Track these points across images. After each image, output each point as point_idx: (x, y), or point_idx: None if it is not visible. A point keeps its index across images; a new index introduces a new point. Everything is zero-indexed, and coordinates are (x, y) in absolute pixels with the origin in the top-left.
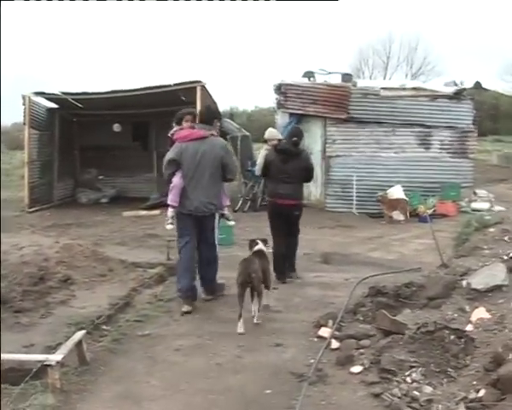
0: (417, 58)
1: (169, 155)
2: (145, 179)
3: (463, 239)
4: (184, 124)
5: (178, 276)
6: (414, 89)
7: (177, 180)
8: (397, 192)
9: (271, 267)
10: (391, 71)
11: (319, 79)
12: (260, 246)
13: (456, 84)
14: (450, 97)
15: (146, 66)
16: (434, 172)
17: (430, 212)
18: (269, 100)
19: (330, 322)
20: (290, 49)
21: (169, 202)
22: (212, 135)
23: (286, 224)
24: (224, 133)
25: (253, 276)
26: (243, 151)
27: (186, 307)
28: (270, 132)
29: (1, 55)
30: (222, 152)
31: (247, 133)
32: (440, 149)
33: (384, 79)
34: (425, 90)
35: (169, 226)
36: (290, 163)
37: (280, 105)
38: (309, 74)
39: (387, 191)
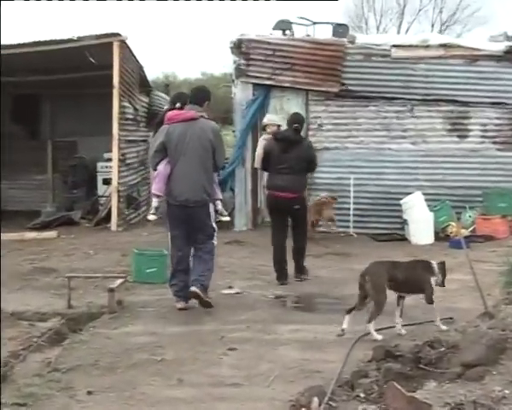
0: None
1: (157, 139)
2: (34, 184)
3: None
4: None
5: (172, 272)
6: (443, 46)
7: (161, 167)
8: (416, 202)
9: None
10: (409, 19)
11: (299, 32)
12: None
13: (508, 38)
14: (498, 59)
15: (38, 12)
16: (473, 173)
17: (467, 232)
18: (222, 64)
19: (315, 401)
20: None
21: (153, 191)
22: (203, 117)
23: (286, 219)
24: (154, 113)
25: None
26: None
27: (181, 304)
28: (270, 118)
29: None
30: (212, 135)
31: None
32: (482, 137)
33: (398, 31)
34: (460, 47)
35: (151, 217)
36: (291, 152)
37: (239, 72)
38: (284, 25)
39: (402, 201)
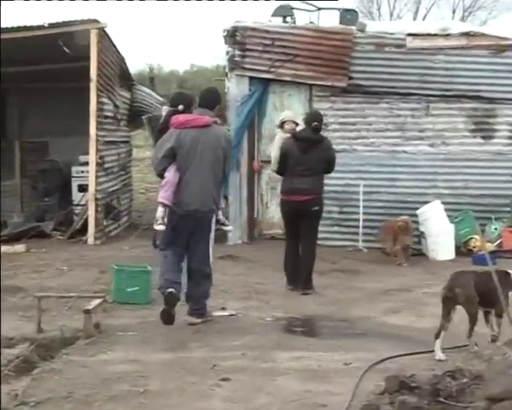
0: None
1: (165, 144)
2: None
3: None
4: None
5: (161, 273)
6: (465, 35)
7: (171, 175)
8: (434, 212)
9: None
10: (427, 4)
11: (301, 19)
12: None
13: None
14: None
15: None
16: (499, 179)
17: (492, 247)
18: (214, 55)
19: None
20: None
21: (160, 200)
22: (215, 123)
23: (302, 224)
24: (136, 111)
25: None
26: None
27: (166, 307)
28: (289, 114)
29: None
30: (225, 143)
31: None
32: (510, 138)
33: (415, 18)
34: (484, 36)
35: (160, 227)
36: (311, 153)
37: (234, 64)
38: (284, 12)
39: (419, 211)
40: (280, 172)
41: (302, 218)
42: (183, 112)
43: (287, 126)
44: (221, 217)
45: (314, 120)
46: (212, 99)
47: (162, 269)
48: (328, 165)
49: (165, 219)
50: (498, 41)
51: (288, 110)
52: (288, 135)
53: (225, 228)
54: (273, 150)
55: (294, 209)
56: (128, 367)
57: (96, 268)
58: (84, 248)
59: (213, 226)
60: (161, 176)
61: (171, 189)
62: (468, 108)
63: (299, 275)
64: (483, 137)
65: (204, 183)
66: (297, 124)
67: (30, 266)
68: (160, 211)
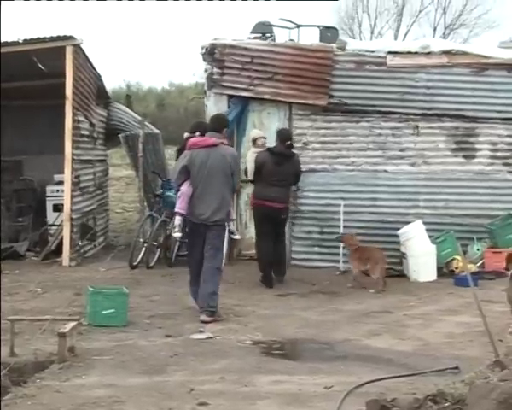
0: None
1: (180, 163)
2: None
3: None
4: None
5: (192, 286)
6: (446, 53)
7: (185, 188)
8: (415, 233)
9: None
10: (408, 21)
11: (281, 36)
12: None
13: None
14: (509, 68)
15: None
16: (481, 199)
17: (475, 268)
18: (193, 73)
19: None
20: None
21: (177, 210)
22: (223, 143)
23: (273, 228)
24: (113, 129)
25: None
26: (149, 161)
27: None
28: (257, 132)
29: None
30: (231, 160)
31: (156, 130)
32: (492, 157)
33: (396, 35)
34: (466, 55)
35: (177, 234)
36: (283, 166)
37: (212, 82)
38: (263, 29)
39: (400, 232)
40: (254, 180)
41: (272, 222)
42: (200, 136)
43: (258, 142)
44: (232, 227)
45: (287, 138)
46: (220, 124)
47: (191, 280)
48: (296, 177)
49: (181, 227)
50: (480, 59)
51: (255, 129)
52: (259, 149)
53: (234, 237)
54: (249, 163)
55: (266, 213)
56: (104, 392)
57: (71, 290)
58: (59, 270)
59: (226, 234)
60: (178, 190)
61: (185, 200)
62: (450, 127)
63: (275, 269)
64: (465, 157)
65: (214, 195)
66: (265, 138)
67: (3, 288)
68: (178, 219)
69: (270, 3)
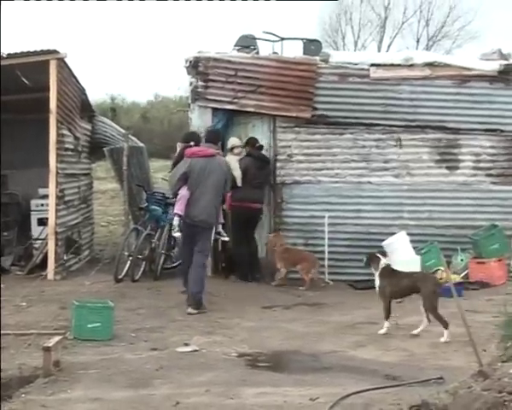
0: (438, 11)
1: (180, 169)
2: None
3: None
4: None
5: (184, 280)
6: (429, 65)
7: (184, 192)
8: (400, 244)
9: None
10: (391, 33)
11: (265, 49)
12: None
13: (503, 56)
14: (492, 79)
15: None
16: (465, 210)
17: (459, 278)
18: (177, 86)
19: None
20: None
21: (176, 211)
22: (218, 154)
23: (249, 227)
24: (97, 143)
25: None
26: (134, 174)
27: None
28: (236, 141)
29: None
30: (226, 169)
31: (140, 144)
32: (475, 168)
33: (379, 47)
34: (448, 67)
35: (178, 234)
36: (263, 169)
37: (196, 95)
38: (247, 42)
39: (384, 243)
40: (239, 184)
41: (250, 223)
42: (195, 146)
43: (236, 151)
44: (220, 229)
45: (257, 142)
46: (215, 136)
47: (183, 276)
48: (270, 179)
49: (180, 227)
50: (462, 71)
51: (232, 137)
52: (237, 157)
53: (223, 238)
54: (235, 170)
55: (248, 214)
56: (89, 406)
57: (56, 304)
58: (44, 284)
59: (212, 236)
60: (176, 194)
61: (184, 202)
62: (433, 139)
63: (254, 268)
64: (448, 168)
65: (209, 200)
66: (243, 147)
67: None
68: (176, 220)
69: (254, 16)
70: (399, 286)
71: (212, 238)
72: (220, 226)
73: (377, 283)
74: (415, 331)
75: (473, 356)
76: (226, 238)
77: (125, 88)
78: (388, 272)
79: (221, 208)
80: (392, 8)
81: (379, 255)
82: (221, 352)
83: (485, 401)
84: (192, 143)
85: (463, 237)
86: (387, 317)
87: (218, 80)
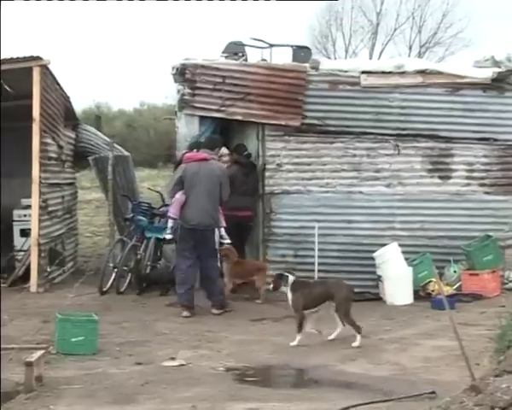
0: (430, 17)
1: (176, 174)
2: None
3: (510, 340)
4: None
5: (177, 286)
6: (421, 73)
7: (178, 195)
8: (391, 255)
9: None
10: (383, 40)
11: (253, 56)
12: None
13: (496, 64)
14: (485, 87)
15: None
16: (458, 221)
17: (452, 290)
18: (164, 94)
19: None
20: None
21: (169, 215)
22: (213, 159)
23: (242, 236)
24: (82, 151)
25: None
26: (119, 184)
27: (185, 313)
28: (223, 149)
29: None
30: (220, 172)
31: (126, 153)
32: (468, 178)
33: (371, 54)
34: (441, 74)
35: (168, 236)
36: (250, 176)
37: (183, 103)
38: (235, 48)
39: (375, 254)
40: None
41: (240, 232)
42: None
43: (224, 159)
44: (223, 233)
45: (245, 150)
46: (212, 143)
47: (177, 282)
48: (259, 185)
49: (172, 230)
50: (454, 79)
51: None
52: (226, 165)
53: (225, 242)
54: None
55: (238, 222)
56: None
57: (39, 317)
58: (27, 296)
59: (217, 238)
60: (172, 198)
61: (177, 206)
62: (425, 148)
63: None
64: (440, 177)
65: (203, 204)
66: (231, 154)
67: None
68: (170, 222)
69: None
70: (313, 295)
71: (217, 242)
72: (223, 230)
73: (289, 297)
74: (330, 337)
75: (465, 370)
76: (228, 241)
77: (111, 95)
78: (299, 284)
79: (220, 212)
80: (385, 14)
81: (286, 274)
82: (208, 366)
83: None
84: (195, 151)
85: (456, 248)
86: (300, 330)
87: (205, 88)
